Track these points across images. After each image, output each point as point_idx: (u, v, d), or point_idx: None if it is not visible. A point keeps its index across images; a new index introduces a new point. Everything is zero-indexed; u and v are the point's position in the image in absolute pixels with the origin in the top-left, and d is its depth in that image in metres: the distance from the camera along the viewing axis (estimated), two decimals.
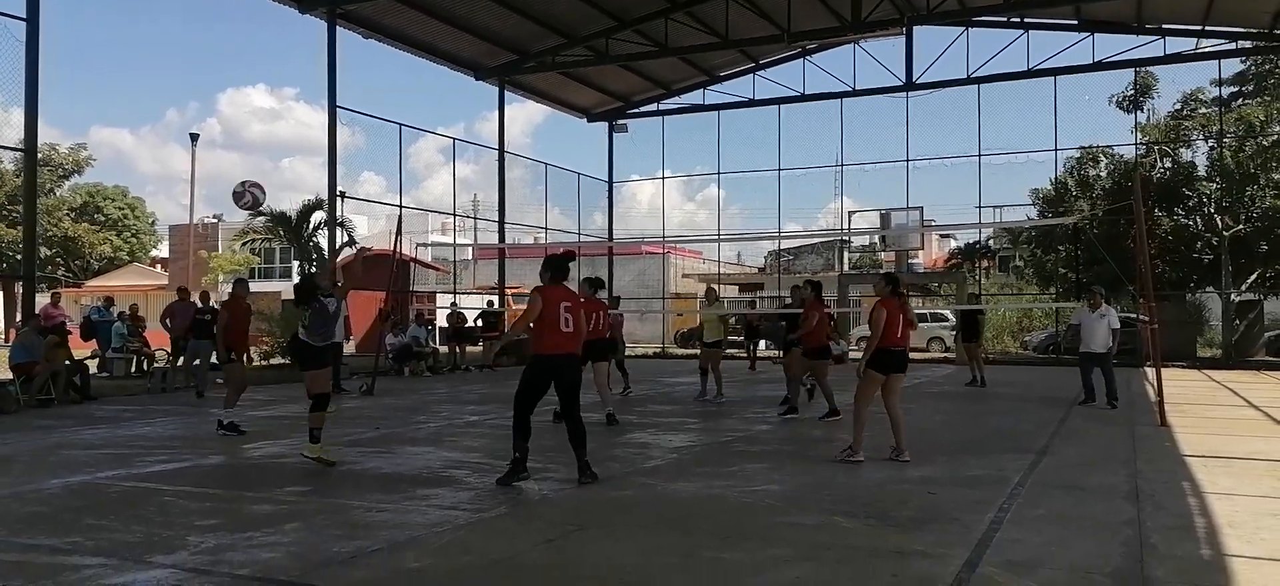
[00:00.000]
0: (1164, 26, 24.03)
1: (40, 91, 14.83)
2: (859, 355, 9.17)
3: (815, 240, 40.73)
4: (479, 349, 22.89)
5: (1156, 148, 26.12)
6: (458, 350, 22.03)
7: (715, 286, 18.04)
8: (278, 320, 21.12)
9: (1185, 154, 26.16)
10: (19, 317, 18.52)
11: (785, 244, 39.50)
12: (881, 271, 11.72)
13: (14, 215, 35.83)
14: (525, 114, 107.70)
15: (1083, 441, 9.75)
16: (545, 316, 7.08)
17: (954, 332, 25.06)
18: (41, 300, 17.99)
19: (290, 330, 21.27)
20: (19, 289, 20.62)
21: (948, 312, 32.89)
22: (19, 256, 20.56)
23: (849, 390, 11.61)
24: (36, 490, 7.07)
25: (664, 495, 6.95)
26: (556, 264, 7.43)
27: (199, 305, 15.52)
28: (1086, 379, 13.22)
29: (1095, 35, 24.41)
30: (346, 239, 22.48)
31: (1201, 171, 25.33)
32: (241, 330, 10.84)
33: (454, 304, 23.46)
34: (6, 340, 19.88)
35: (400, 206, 22.68)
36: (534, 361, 7.22)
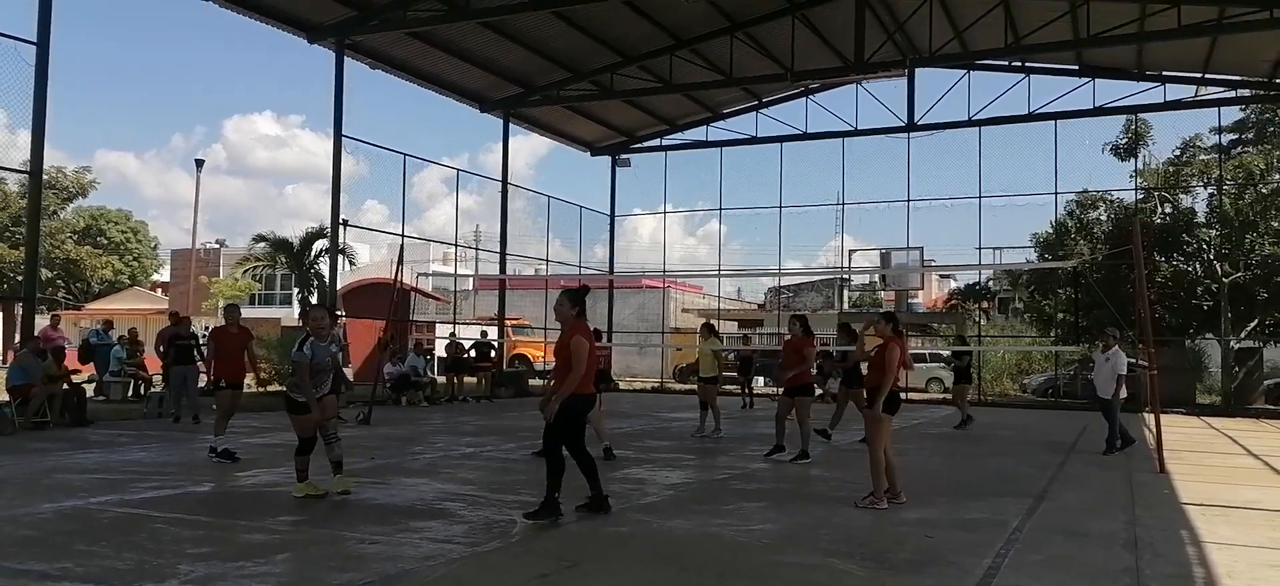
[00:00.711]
0: (1164, 73, 24.20)
1: (47, 114, 14.95)
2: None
3: (815, 278, 40.77)
4: (474, 381, 22.86)
5: (1156, 193, 26.21)
6: (455, 381, 21.99)
7: (713, 321, 18.05)
8: (276, 346, 21.11)
9: (1185, 200, 26.26)
10: (17, 339, 18.52)
11: (785, 281, 39.54)
12: (880, 311, 11.69)
13: (16, 237, 35.92)
14: (529, 146, 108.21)
15: (1081, 486, 9.71)
16: (590, 356, 7.15)
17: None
18: (41, 322, 17.98)
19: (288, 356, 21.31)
20: (19, 311, 20.61)
21: (944, 353, 32.90)
22: (20, 278, 20.59)
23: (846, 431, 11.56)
24: (29, 514, 7.03)
25: (660, 532, 6.91)
26: (581, 298, 7.48)
27: (178, 331, 15.28)
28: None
29: (1096, 80, 24.58)
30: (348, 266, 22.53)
31: (1201, 218, 25.41)
32: (233, 358, 10.79)
33: (452, 334, 23.44)
34: (5, 362, 19.84)
35: (402, 236, 22.74)
36: (578, 402, 7.21)
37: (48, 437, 12.28)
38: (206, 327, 23.28)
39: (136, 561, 5.63)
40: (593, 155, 30.96)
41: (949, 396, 27.67)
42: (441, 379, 22.62)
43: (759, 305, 44.88)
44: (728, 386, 21.98)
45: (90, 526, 6.65)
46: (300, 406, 7.91)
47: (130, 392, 17.91)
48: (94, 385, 17.44)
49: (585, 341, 7.13)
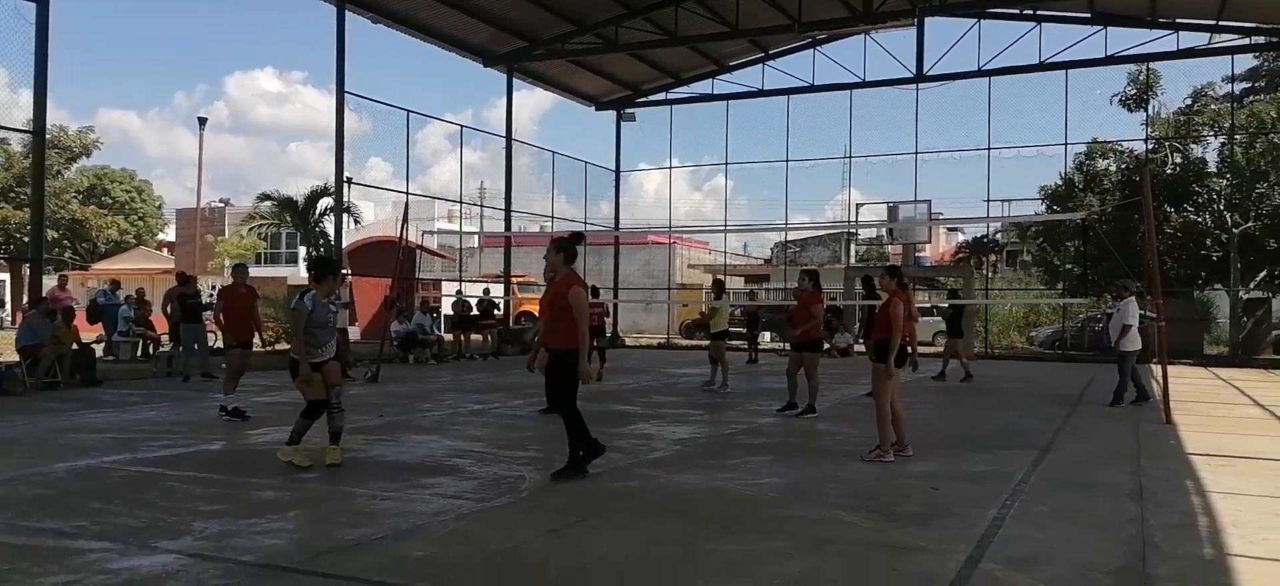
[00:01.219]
0: (1177, 20, 23.87)
1: (49, 73, 14.87)
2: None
3: (822, 232, 40.63)
4: (480, 338, 22.95)
5: (1167, 143, 25.97)
6: (462, 338, 22.06)
7: (721, 277, 18.09)
8: (283, 305, 21.17)
9: (1196, 150, 26.02)
10: (25, 300, 18.60)
11: (792, 236, 39.41)
12: (886, 265, 11.68)
13: (21, 198, 35.94)
14: (533, 101, 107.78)
15: (1087, 438, 9.74)
16: (584, 310, 6.92)
17: (972, 327, 25.04)
18: (49, 283, 18.05)
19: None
20: (26, 272, 20.68)
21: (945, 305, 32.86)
22: (26, 239, 20.62)
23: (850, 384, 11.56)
24: (42, 474, 7.10)
25: (667, 486, 6.96)
26: (571, 248, 7.13)
27: (185, 290, 15.43)
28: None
29: (1108, 29, 24.26)
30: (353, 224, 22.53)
31: (1212, 168, 25.20)
32: (241, 316, 10.83)
33: (459, 292, 23.48)
34: (14, 323, 19.95)
35: (407, 193, 22.70)
36: (571, 356, 6.89)
37: (58, 398, 12.39)
38: (213, 287, 23.35)
39: (150, 519, 5.69)
40: (597, 110, 30.76)
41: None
42: (448, 337, 22.70)
43: (765, 260, 44.83)
44: (734, 341, 22.06)
45: (104, 485, 6.72)
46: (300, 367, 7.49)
47: (139, 352, 18.02)
48: (103, 345, 17.54)
49: (583, 291, 6.95)
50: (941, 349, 18.27)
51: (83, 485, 6.69)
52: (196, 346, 15.37)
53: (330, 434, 7.51)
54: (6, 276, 36.59)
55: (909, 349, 8.24)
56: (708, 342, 15.25)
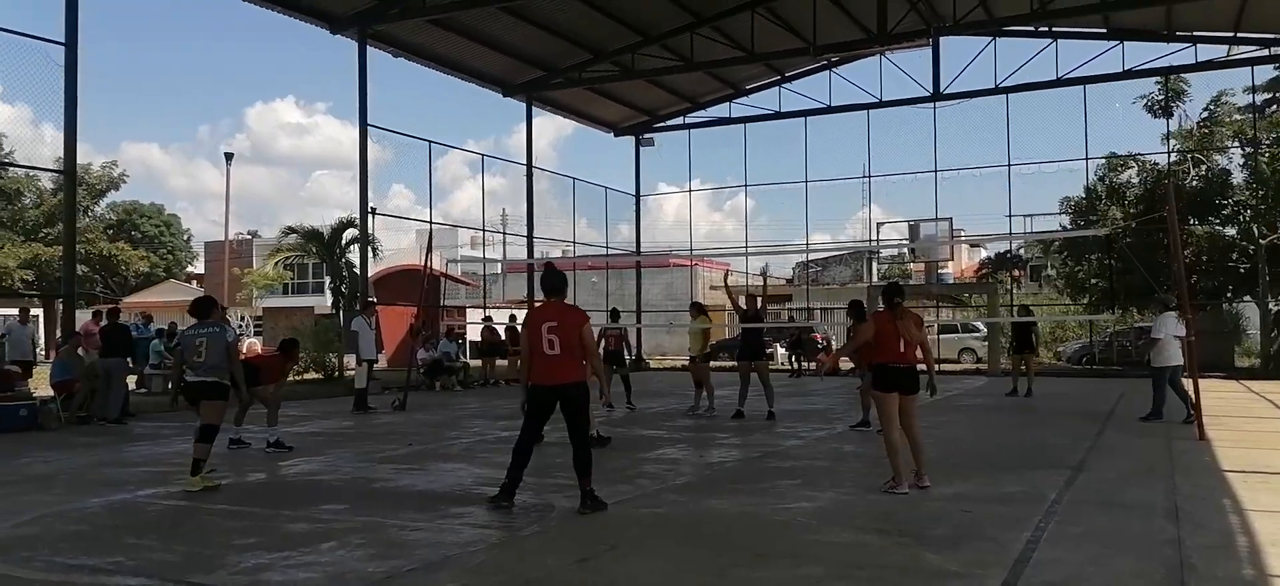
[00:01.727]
0: (1195, 33, 23.75)
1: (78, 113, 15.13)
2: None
3: (844, 251, 40.53)
4: (507, 364, 23.01)
5: (1190, 156, 25.76)
6: (489, 365, 22.15)
7: (701, 300, 18.25)
8: (310, 335, 21.37)
9: (1219, 161, 25.78)
10: (58, 335, 18.86)
11: (813, 255, 39.36)
12: (886, 282, 11.74)
13: (53, 235, 36.53)
14: (553, 127, 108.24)
15: (1120, 456, 9.63)
16: (531, 343, 6.91)
17: (998, 344, 24.79)
18: (83, 318, 18.30)
19: (323, 348, 21.55)
20: (59, 307, 20.99)
21: (979, 324, 32.61)
22: (59, 276, 20.94)
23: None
24: (78, 509, 7.19)
25: (696, 512, 6.95)
26: (546, 281, 7.17)
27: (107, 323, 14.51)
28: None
29: (1125, 43, 24.18)
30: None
31: (1236, 178, 24.96)
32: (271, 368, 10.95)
33: (487, 318, 23.60)
34: (48, 358, 20.22)
35: (430, 222, 22.88)
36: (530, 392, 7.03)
37: (91, 431, 12.54)
38: (242, 319, 23.56)
39: (185, 553, 5.75)
40: (616, 135, 30.96)
41: (983, 366, 27.55)
42: (474, 362, 22.80)
43: (788, 281, 44.73)
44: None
45: (139, 519, 6.80)
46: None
47: (170, 385, 18.20)
48: (135, 378, 17.73)
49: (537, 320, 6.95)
50: (980, 366, 18.10)
51: (118, 520, 6.77)
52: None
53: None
54: (40, 312, 37.11)
55: (929, 369, 8.07)
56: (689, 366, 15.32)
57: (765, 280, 34.16)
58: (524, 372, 7.10)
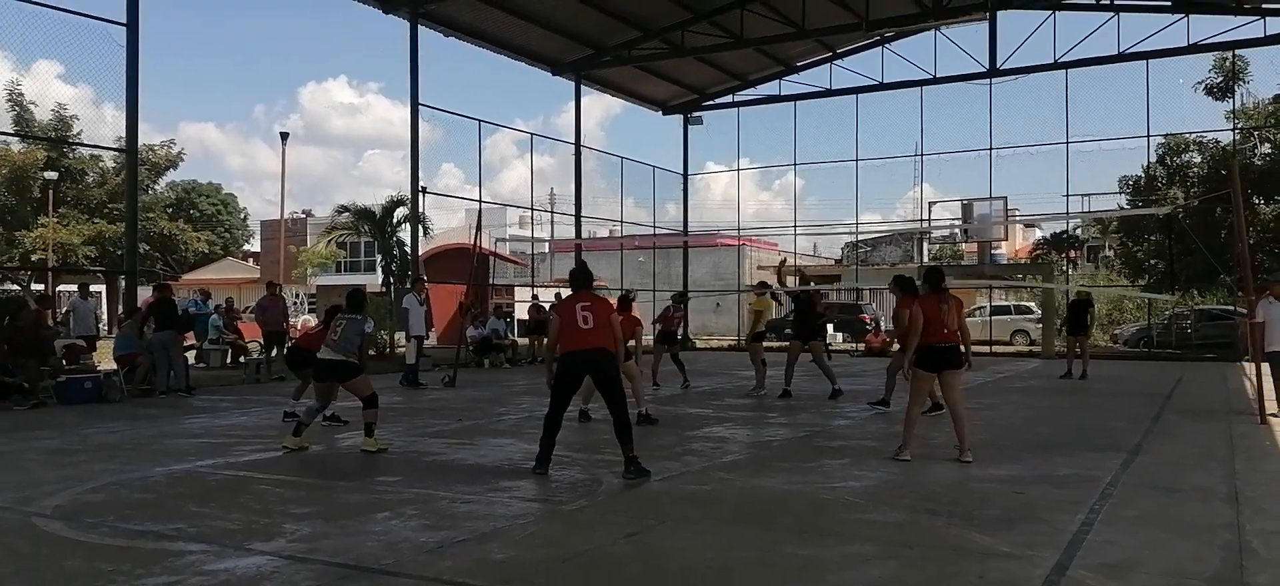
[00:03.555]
0: (1263, 5, 22.90)
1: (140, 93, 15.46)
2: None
3: (894, 230, 40.04)
4: None
5: (1256, 133, 24.94)
6: (537, 343, 22.32)
7: (766, 279, 18.00)
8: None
9: None
10: (120, 310, 19.42)
11: (863, 235, 38.92)
12: (927, 266, 11.67)
13: (115, 212, 37.51)
14: (601, 106, 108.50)
15: (1178, 440, 9.42)
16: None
17: (1053, 325, 24.33)
18: (145, 294, 18.80)
19: (376, 325, 21.90)
20: (122, 283, 21.58)
21: (1032, 305, 32.05)
22: (121, 253, 21.53)
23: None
24: (142, 478, 7.42)
25: (743, 490, 6.96)
26: (576, 275, 7.78)
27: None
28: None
29: (1190, 16, 23.40)
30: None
31: None
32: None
33: (536, 297, 23.77)
34: (110, 333, 20.83)
35: (479, 202, 23.06)
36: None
37: (154, 404, 12.91)
38: (297, 296, 23.99)
39: (244, 521, 5.91)
40: (664, 114, 30.84)
41: (1037, 348, 27.09)
42: (522, 341, 23.00)
43: (836, 260, 44.34)
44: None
45: (199, 488, 7.00)
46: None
47: (228, 359, 18.67)
48: (194, 353, 18.21)
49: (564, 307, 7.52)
50: (1033, 347, 17.58)
51: (180, 489, 6.98)
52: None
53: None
54: (103, 288, 38.21)
55: (964, 349, 8.27)
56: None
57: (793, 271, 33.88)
58: (549, 354, 7.67)
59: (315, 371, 8.98)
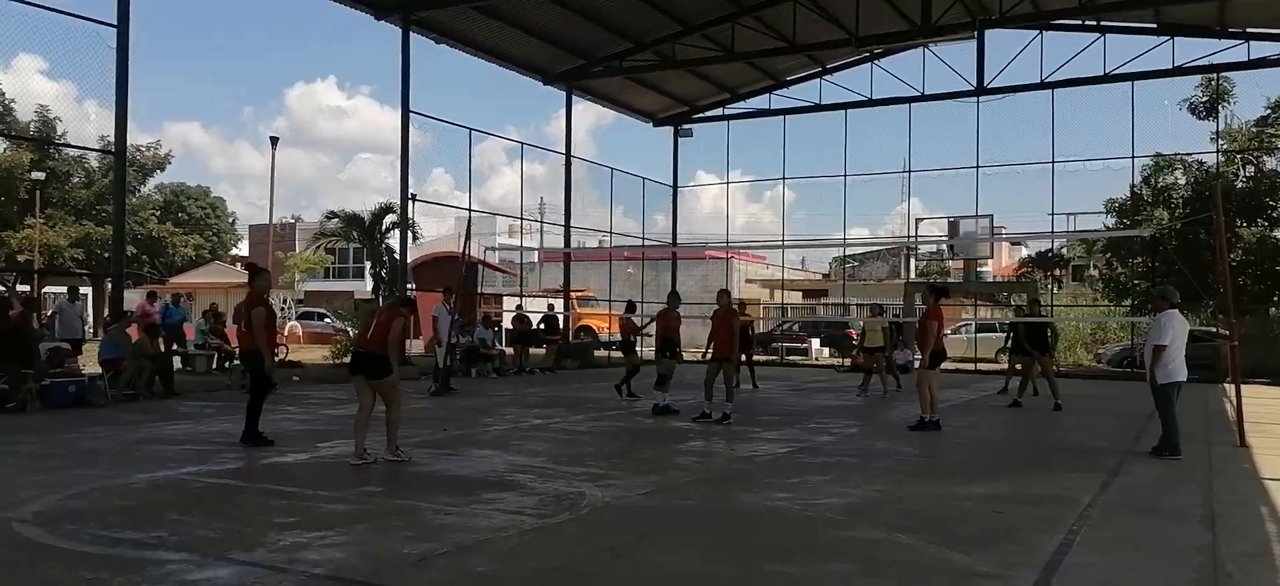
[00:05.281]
0: (1248, 29, 23.18)
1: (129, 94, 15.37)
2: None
3: (881, 246, 40.22)
4: (542, 351, 23.18)
5: (1239, 157, 25.19)
6: (523, 353, 22.32)
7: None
8: (350, 318, 21.67)
9: (1268, 162, 25.17)
10: (106, 314, 19.31)
11: (851, 250, 39.09)
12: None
13: (102, 214, 37.33)
14: (592, 115, 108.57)
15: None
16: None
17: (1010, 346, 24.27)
18: (136, 298, 18.71)
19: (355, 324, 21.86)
20: (108, 286, 21.46)
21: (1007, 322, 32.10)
22: (108, 255, 21.41)
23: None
24: (124, 485, 7.40)
25: (726, 505, 6.99)
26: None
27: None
28: None
29: (1175, 39, 23.66)
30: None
31: None
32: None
33: (519, 307, 23.77)
34: (97, 337, 20.72)
35: (469, 209, 23.07)
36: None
37: (138, 409, 12.85)
38: (285, 302, 23.92)
39: (226, 530, 5.91)
40: (655, 126, 30.93)
41: (1020, 366, 27.08)
42: (508, 350, 22.99)
43: (824, 275, 44.52)
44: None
45: (182, 496, 6.98)
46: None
47: (213, 365, 18.58)
48: (178, 358, 18.10)
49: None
50: (1016, 368, 16.80)
51: (162, 496, 6.96)
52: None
53: None
54: (89, 291, 37.98)
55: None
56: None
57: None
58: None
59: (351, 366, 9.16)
